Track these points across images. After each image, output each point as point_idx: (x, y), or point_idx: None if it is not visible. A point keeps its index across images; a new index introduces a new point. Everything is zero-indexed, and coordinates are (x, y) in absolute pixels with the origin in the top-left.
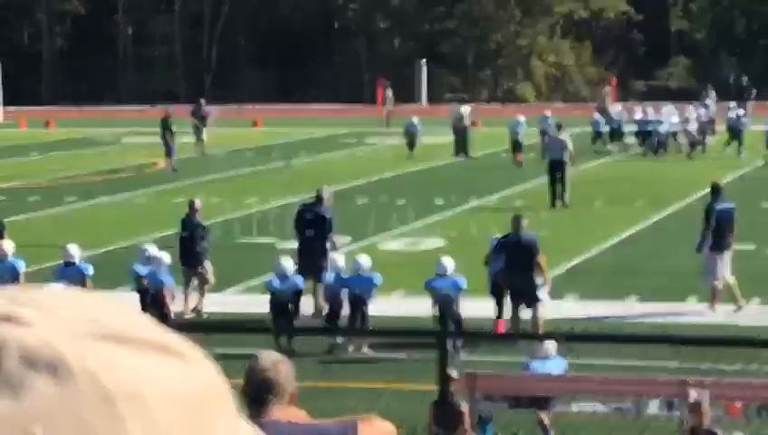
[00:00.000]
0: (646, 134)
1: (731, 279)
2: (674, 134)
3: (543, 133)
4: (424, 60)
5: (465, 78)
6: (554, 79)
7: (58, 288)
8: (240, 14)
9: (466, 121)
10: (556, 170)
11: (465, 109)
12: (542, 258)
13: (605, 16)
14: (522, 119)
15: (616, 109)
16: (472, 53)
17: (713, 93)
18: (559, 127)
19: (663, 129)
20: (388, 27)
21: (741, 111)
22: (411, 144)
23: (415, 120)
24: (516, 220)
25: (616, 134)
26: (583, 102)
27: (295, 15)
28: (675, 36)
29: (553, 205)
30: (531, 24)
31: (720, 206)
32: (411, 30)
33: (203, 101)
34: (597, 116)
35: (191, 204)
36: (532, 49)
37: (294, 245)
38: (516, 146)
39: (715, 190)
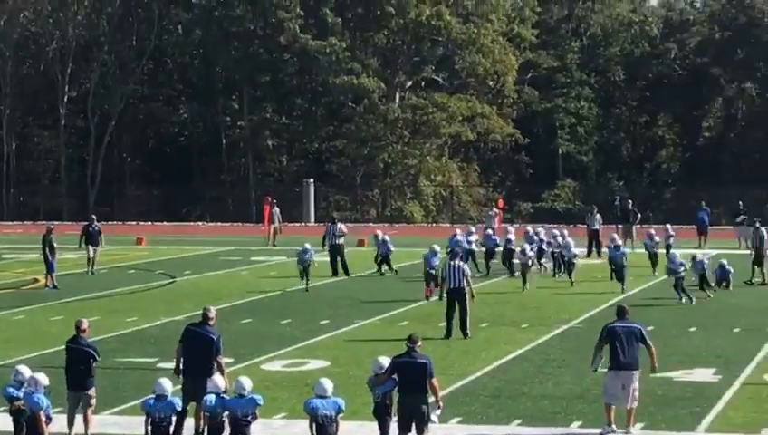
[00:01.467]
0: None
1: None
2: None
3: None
4: (311, 179)
5: (354, 197)
6: (442, 199)
7: None
8: (126, 130)
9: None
10: (456, 299)
11: (342, 227)
12: (436, 380)
13: (491, 138)
14: (437, 248)
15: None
16: (360, 172)
17: (598, 216)
18: (454, 255)
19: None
20: (275, 145)
21: (619, 242)
22: (305, 273)
23: (308, 245)
24: (412, 341)
25: (501, 255)
26: (471, 223)
27: (182, 132)
28: (562, 158)
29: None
30: (419, 144)
31: (620, 324)
32: (299, 148)
33: (95, 217)
34: (489, 237)
35: (78, 324)
36: (420, 169)
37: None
38: (429, 278)
39: (619, 311)
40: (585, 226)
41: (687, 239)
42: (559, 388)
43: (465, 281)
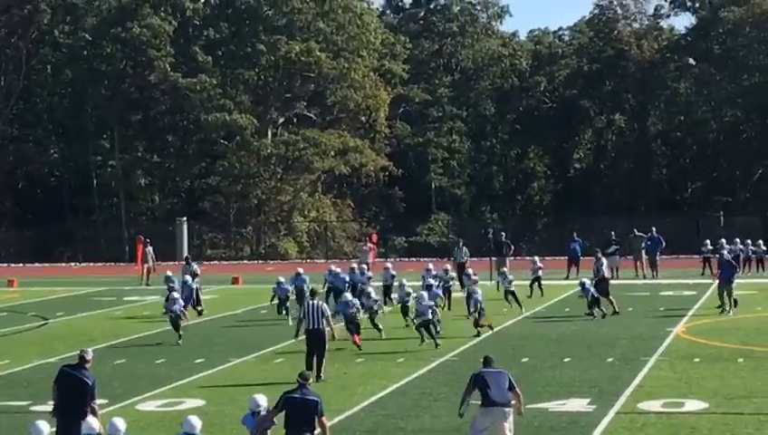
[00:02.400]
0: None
1: None
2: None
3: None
4: (185, 217)
5: (228, 234)
6: (316, 235)
7: None
8: None
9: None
10: (314, 341)
11: (195, 267)
12: (326, 419)
13: (365, 172)
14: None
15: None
16: (233, 209)
17: (465, 249)
18: (313, 294)
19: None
20: (148, 184)
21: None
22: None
23: (175, 294)
24: (303, 377)
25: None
26: (345, 258)
27: (53, 172)
28: (435, 192)
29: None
30: (292, 180)
31: (488, 370)
32: (172, 187)
33: None
34: (360, 273)
35: None
36: (294, 205)
37: (50, 407)
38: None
39: (485, 360)
40: (453, 259)
41: (559, 269)
42: (436, 421)
43: (324, 321)
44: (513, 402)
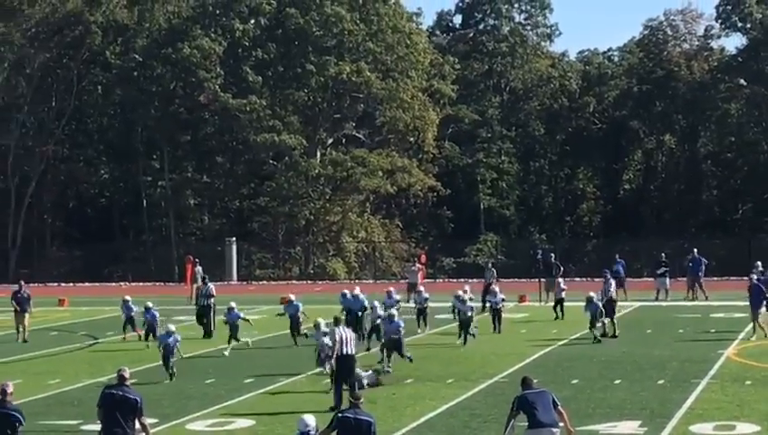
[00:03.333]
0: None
1: None
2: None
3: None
4: (233, 237)
5: (276, 255)
6: (365, 255)
7: None
8: (47, 191)
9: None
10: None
11: (212, 288)
12: None
13: (413, 192)
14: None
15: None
16: (282, 229)
17: (494, 270)
18: (337, 321)
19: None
20: (197, 204)
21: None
22: (233, 335)
23: (233, 304)
24: (355, 398)
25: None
26: (394, 279)
27: (103, 193)
28: (484, 212)
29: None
30: (340, 200)
31: (530, 392)
32: (221, 207)
33: (22, 282)
34: (423, 295)
35: (3, 388)
36: (343, 225)
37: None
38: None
39: (524, 382)
40: (483, 280)
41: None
42: None
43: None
44: (560, 424)
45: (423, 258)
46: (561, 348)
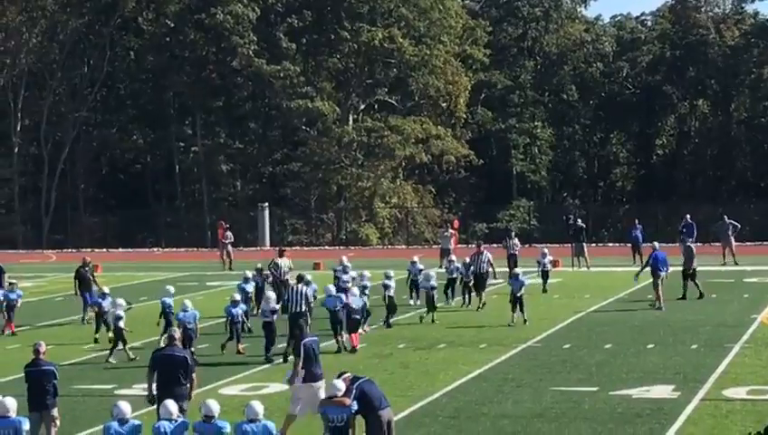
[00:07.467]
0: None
1: None
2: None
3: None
4: (266, 203)
5: (308, 220)
6: (397, 221)
7: None
8: (80, 158)
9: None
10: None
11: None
12: None
13: (446, 160)
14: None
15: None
16: (314, 195)
17: (516, 240)
18: (300, 279)
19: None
20: (229, 170)
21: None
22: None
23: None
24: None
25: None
26: (426, 244)
27: (136, 159)
28: (517, 178)
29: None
30: (373, 166)
31: None
32: (254, 173)
33: (87, 259)
34: (455, 263)
35: (36, 347)
36: (375, 191)
37: (134, 390)
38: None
39: None
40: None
41: (624, 256)
42: (518, 407)
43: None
44: None
45: (456, 224)
46: (593, 313)
